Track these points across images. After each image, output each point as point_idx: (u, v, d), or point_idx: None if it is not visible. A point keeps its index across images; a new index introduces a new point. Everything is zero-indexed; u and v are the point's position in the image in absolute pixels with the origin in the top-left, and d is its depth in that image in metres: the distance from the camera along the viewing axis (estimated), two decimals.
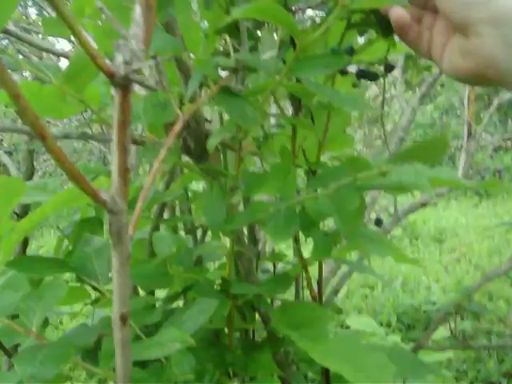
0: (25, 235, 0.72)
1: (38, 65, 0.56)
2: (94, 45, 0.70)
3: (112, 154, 0.35)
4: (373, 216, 1.52)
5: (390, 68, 0.70)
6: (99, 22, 0.75)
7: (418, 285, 3.45)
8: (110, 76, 0.31)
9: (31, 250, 4.90)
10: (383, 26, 0.58)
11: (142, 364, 0.60)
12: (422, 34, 0.56)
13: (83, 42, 0.31)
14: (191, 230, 0.90)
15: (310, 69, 0.53)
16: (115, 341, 0.41)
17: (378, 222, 1.37)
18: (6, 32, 0.76)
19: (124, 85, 0.32)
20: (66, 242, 0.85)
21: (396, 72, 1.87)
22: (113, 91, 0.33)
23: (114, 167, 0.35)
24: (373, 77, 0.69)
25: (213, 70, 0.52)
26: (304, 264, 0.80)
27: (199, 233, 0.92)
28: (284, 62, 0.62)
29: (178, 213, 0.98)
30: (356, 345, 0.64)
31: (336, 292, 1.31)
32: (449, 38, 0.53)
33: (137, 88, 0.73)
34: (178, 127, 0.44)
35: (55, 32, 0.78)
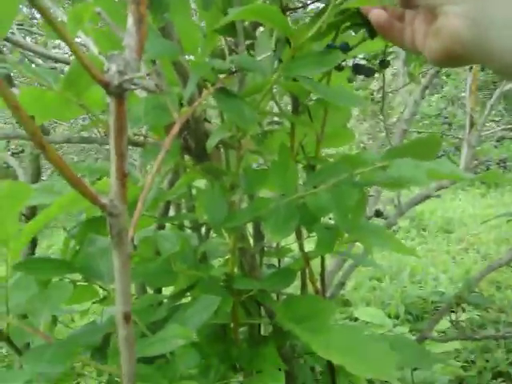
0: (32, 236, 0.74)
1: (38, 70, 0.57)
2: (90, 52, 0.71)
3: (110, 159, 0.37)
4: (380, 208, 1.53)
5: (384, 64, 0.71)
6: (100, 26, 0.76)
7: (425, 276, 3.45)
8: (105, 85, 0.32)
9: (42, 248, 4.95)
10: (369, 26, 0.60)
11: (148, 360, 0.61)
12: (404, 30, 0.59)
13: (77, 53, 0.32)
14: (195, 228, 0.91)
15: (305, 67, 0.54)
16: (119, 339, 0.43)
17: (378, 214, 1.39)
18: (5, 39, 0.77)
19: (118, 93, 0.33)
20: (72, 242, 0.87)
21: (398, 64, 1.88)
22: (108, 99, 0.34)
23: (113, 172, 0.36)
24: (368, 72, 0.70)
25: (209, 72, 0.53)
26: (306, 259, 0.81)
27: (204, 230, 0.93)
28: (281, 60, 0.63)
29: (184, 210, 0.99)
30: (358, 336, 0.65)
31: (342, 285, 1.32)
32: (428, 27, 0.56)
33: (138, 91, 0.74)
34: (175, 129, 0.46)
35: (56, 37, 0.79)
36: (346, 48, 0.64)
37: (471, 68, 2.15)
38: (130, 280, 0.41)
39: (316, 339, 0.64)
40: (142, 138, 1.07)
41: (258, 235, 0.94)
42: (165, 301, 0.76)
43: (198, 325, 0.61)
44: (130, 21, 0.34)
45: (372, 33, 0.62)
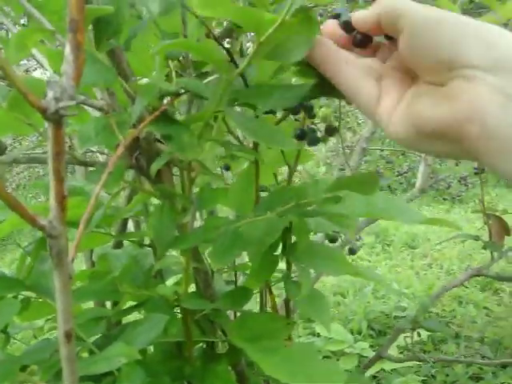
0: None
1: None
2: (47, 71, 0.70)
3: (50, 183, 0.38)
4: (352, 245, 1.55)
5: (331, 131, 0.69)
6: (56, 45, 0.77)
7: (388, 291, 3.49)
8: (42, 112, 0.33)
9: (5, 262, 4.87)
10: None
11: (96, 378, 0.62)
12: (359, 80, 0.47)
13: (13, 79, 0.33)
14: (152, 245, 0.91)
15: (258, 98, 0.54)
16: (62, 357, 0.43)
17: (351, 252, 1.41)
18: None
19: (55, 119, 0.34)
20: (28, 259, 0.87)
21: None
22: (46, 125, 0.35)
23: (52, 195, 0.37)
24: (313, 140, 0.68)
25: (154, 96, 0.53)
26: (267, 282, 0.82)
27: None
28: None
29: (144, 226, 1.00)
30: (308, 355, 0.66)
31: None
32: (404, 92, 0.45)
33: (91, 110, 0.75)
34: (119, 151, 0.47)
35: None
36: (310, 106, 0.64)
37: None
38: (71, 299, 0.41)
39: (266, 359, 0.64)
40: (104, 155, 1.07)
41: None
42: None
43: (146, 343, 0.61)
44: (68, 48, 0.35)
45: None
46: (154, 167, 0.58)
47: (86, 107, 0.76)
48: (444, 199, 5.42)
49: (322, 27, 0.50)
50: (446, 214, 5.82)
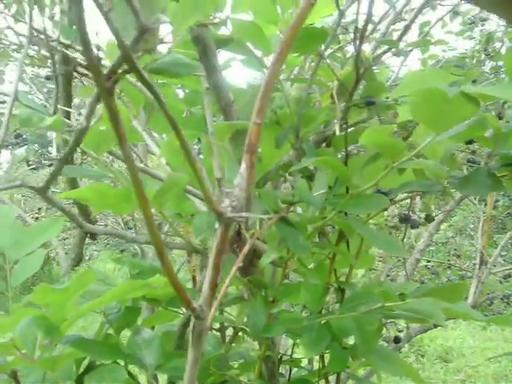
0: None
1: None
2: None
3: (207, 272, 0.45)
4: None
5: (429, 219, 0.79)
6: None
7: None
8: (219, 215, 0.41)
9: (78, 327, 4.91)
10: None
11: None
12: None
13: (202, 184, 0.41)
14: (221, 329, 0.98)
15: (357, 207, 0.63)
16: None
17: (397, 340, 1.45)
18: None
19: (227, 223, 0.41)
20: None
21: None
22: (216, 225, 0.43)
23: (207, 282, 0.45)
24: (414, 223, 0.78)
25: (274, 202, 0.62)
26: (325, 373, 0.87)
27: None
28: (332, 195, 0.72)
29: None
30: None
31: None
32: None
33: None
34: (246, 249, 0.54)
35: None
36: (386, 194, 0.73)
37: (484, 202, 2.24)
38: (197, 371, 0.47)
39: None
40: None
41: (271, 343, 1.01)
42: None
43: None
44: (243, 166, 0.43)
45: None
46: (264, 262, 0.65)
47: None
48: (485, 315, 5.33)
49: None
50: (481, 330, 5.70)
